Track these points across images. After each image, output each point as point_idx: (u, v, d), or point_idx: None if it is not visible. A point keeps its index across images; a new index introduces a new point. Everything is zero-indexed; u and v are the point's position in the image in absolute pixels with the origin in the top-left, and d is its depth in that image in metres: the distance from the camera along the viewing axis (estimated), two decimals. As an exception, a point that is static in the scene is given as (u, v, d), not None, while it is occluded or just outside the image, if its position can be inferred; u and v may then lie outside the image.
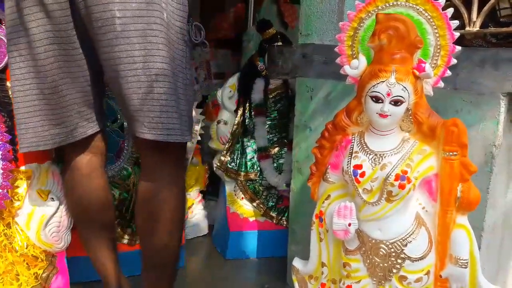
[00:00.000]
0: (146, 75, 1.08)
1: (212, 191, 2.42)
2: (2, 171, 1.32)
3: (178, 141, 1.15)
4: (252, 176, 2.08)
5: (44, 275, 1.40)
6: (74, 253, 1.71)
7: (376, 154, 1.03)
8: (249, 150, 2.09)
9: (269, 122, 2.09)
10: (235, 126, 2.10)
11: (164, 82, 1.10)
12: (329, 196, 1.12)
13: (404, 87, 0.98)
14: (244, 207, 2.08)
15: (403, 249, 1.01)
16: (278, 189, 2.06)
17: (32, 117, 1.20)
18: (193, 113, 1.32)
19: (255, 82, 2.08)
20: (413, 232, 1.01)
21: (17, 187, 1.37)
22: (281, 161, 2.07)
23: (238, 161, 2.09)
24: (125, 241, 1.82)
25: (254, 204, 2.08)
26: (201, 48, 1.27)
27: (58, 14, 1.10)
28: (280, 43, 2.01)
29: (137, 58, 1.07)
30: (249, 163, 2.08)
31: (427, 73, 0.98)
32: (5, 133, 1.34)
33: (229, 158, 2.09)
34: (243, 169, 2.08)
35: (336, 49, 1.12)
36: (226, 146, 2.10)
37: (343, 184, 1.10)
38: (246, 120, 2.08)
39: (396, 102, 0.99)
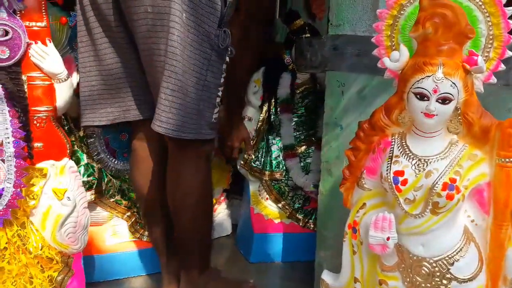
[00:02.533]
0: (165, 69, 1.21)
1: (236, 189, 2.40)
2: (15, 169, 1.29)
3: (180, 137, 1.26)
4: (277, 175, 2.04)
5: (59, 278, 1.36)
6: (86, 252, 1.69)
7: (420, 159, 0.95)
8: (274, 148, 2.05)
9: (296, 119, 2.04)
10: (260, 123, 2.06)
11: (175, 79, 1.21)
12: (364, 204, 1.05)
13: (453, 83, 0.90)
14: (269, 208, 2.04)
15: (449, 269, 0.93)
16: (305, 190, 2.01)
17: (91, 95, 1.38)
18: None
19: (281, 77, 2.05)
20: (461, 249, 0.93)
21: (32, 185, 1.33)
22: (308, 160, 2.02)
23: (262, 159, 2.05)
24: (145, 238, 1.82)
25: (280, 205, 2.04)
26: (226, 53, 1.34)
27: (105, 7, 1.30)
28: (308, 35, 1.97)
29: (162, 52, 1.21)
30: (274, 162, 2.04)
31: (479, 67, 0.90)
32: (19, 129, 1.30)
33: (253, 157, 2.05)
34: (267, 168, 2.04)
35: (372, 40, 1.06)
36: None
37: (380, 192, 1.02)
38: (272, 117, 2.05)
39: (444, 100, 0.91)
